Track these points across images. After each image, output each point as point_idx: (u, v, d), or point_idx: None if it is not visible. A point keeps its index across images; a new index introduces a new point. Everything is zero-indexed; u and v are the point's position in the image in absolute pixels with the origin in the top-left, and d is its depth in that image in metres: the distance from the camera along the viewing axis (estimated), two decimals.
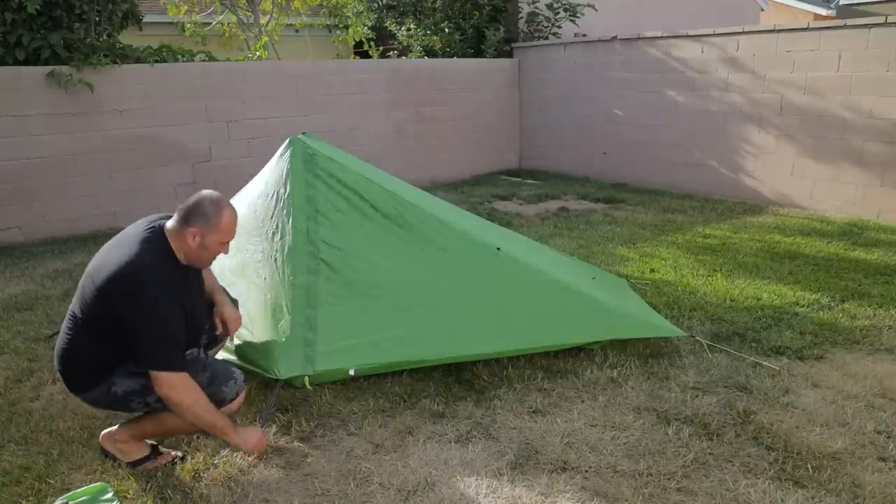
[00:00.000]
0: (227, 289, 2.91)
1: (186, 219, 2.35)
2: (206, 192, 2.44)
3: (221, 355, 3.01)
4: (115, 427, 2.60)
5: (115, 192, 6.58)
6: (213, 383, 2.49)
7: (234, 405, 2.60)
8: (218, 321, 2.76)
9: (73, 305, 2.40)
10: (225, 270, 3.23)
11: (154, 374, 2.27)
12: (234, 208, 2.46)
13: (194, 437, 2.75)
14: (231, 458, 2.60)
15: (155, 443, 2.62)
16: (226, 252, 2.48)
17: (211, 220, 2.35)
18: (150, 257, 2.32)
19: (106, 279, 2.27)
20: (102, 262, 2.34)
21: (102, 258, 2.37)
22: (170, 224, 2.40)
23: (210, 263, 2.52)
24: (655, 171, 8.09)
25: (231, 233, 2.44)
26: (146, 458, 2.57)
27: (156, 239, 2.36)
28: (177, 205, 2.44)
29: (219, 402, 2.48)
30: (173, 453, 2.61)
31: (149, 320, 2.25)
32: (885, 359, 3.37)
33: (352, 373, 2.91)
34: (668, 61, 7.69)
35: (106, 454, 2.60)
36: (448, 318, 3.13)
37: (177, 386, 2.29)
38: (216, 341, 2.83)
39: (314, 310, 2.96)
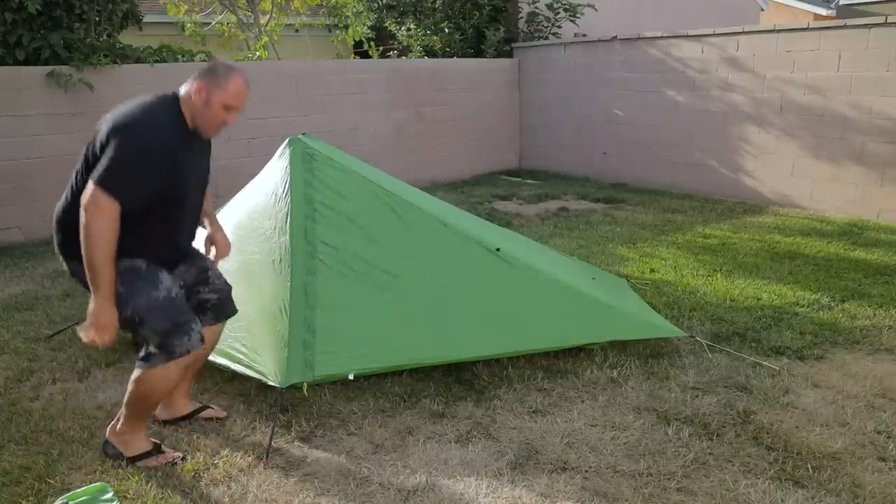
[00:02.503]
0: None
1: (196, 77, 2.36)
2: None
3: (224, 362, 3.00)
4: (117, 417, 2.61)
5: None
6: (170, 335, 2.38)
7: (184, 361, 2.46)
8: (207, 243, 2.76)
9: (76, 167, 2.38)
10: (226, 272, 3.23)
11: (89, 184, 2.21)
12: (247, 81, 2.43)
13: (194, 437, 2.76)
14: (231, 458, 2.60)
15: (157, 441, 2.62)
16: (231, 122, 2.42)
17: (219, 78, 2.35)
18: (154, 106, 2.32)
19: (109, 124, 2.27)
20: (110, 116, 2.33)
21: (111, 113, 2.35)
22: (182, 88, 2.40)
23: (214, 131, 2.45)
24: (655, 171, 8.09)
25: (238, 99, 2.39)
26: (147, 454, 2.56)
27: (167, 98, 2.38)
28: None
29: (169, 352, 2.38)
30: (174, 454, 2.61)
31: (121, 144, 2.22)
32: (885, 359, 3.37)
33: (351, 377, 2.90)
34: (668, 61, 7.69)
35: (106, 454, 2.59)
36: (448, 319, 3.13)
37: (101, 207, 2.18)
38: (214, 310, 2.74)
39: (312, 311, 2.95)
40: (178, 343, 2.40)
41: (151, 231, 2.41)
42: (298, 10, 10.63)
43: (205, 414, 2.89)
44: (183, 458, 2.60)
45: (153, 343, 2.40)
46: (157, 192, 2.33)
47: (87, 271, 2.25)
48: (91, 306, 2.27)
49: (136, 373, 2.46)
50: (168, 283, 2.44)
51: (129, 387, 2.48)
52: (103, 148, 2.25)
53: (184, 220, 2.55)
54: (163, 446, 2.62)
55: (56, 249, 2.45)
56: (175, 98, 2.40)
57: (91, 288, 2.27)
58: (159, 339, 2.39)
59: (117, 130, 2.24)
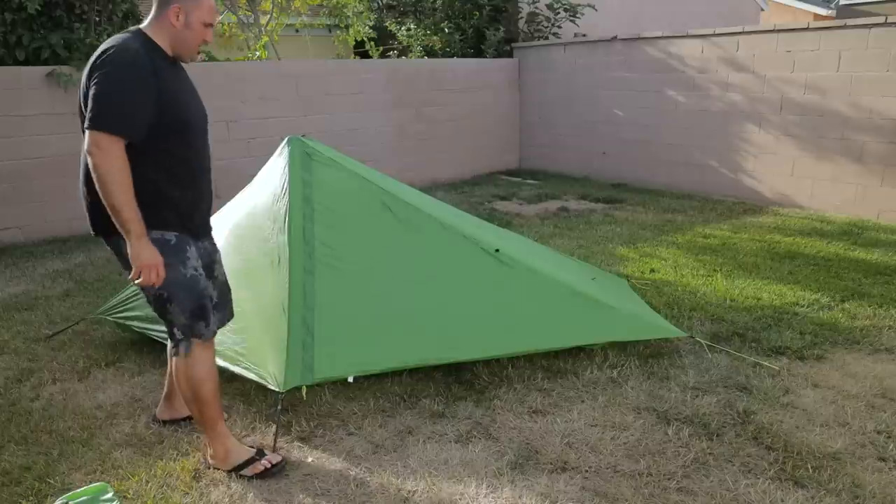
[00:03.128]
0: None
1: (164, 2, 2.30)
2: None
3: (224, 364, 2.99)
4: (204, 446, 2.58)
5: None
6: (194, 316, 2.39)
7: (205, 342, 2.46)
8: None
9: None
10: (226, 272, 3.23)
11: (87, 133, 2.16)
12: None
13: (194, 436, 2.76)
14: None
15: (259, 447, 2.58)
16: (208, 39, 2.38)
17: None
18: (124, 38, 2.26)
19: (87, 67, 2.22)
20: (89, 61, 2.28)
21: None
22: (145, 22, 2.35)
23: (193, 51, 2.39)
24: (655, 171, 8.09)
25: (212, 15, 2.36)
26: (251, 461, 2.51)
27: (134, 31, 2.32)
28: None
29: (195, 332, 2.40)
30: (276, 457, 2.56)
31: (101, 79, 2.16)
32: (885, 359, 3.37)
33: (350, 380, 2.89)
34: (669, 61, 7.69)
35: (238, 467, 2.52)
36: (447, 320, 3.13)
37: (102, 146, 2.14)
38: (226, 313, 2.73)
39: (312, 312, 2.94)
40: (202, 326, 2.41)
41: (172, 177, 2.33)
42: (299, 10, 10.62)
43: None
44: (283, 462, 2.55)
45: (178, 322, 2.38)
46: (160, 121, 2.25)
47: (112, 217, 2.20)
48: (129, 250, 2.22)
49: (173, 365, 2.46)
50: (195, 261, 2.40)
51: (181, 392, 2.48)
52: (87, 93, 2.21)
53: (198, 162, 2.45)
54: (264, 450, 2.58)
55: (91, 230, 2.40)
56: (140, 31, 2.34)
57: (122, 232, 2.22)
58: (184, 318, 2.37)
59: (94, 69, 2.20)
